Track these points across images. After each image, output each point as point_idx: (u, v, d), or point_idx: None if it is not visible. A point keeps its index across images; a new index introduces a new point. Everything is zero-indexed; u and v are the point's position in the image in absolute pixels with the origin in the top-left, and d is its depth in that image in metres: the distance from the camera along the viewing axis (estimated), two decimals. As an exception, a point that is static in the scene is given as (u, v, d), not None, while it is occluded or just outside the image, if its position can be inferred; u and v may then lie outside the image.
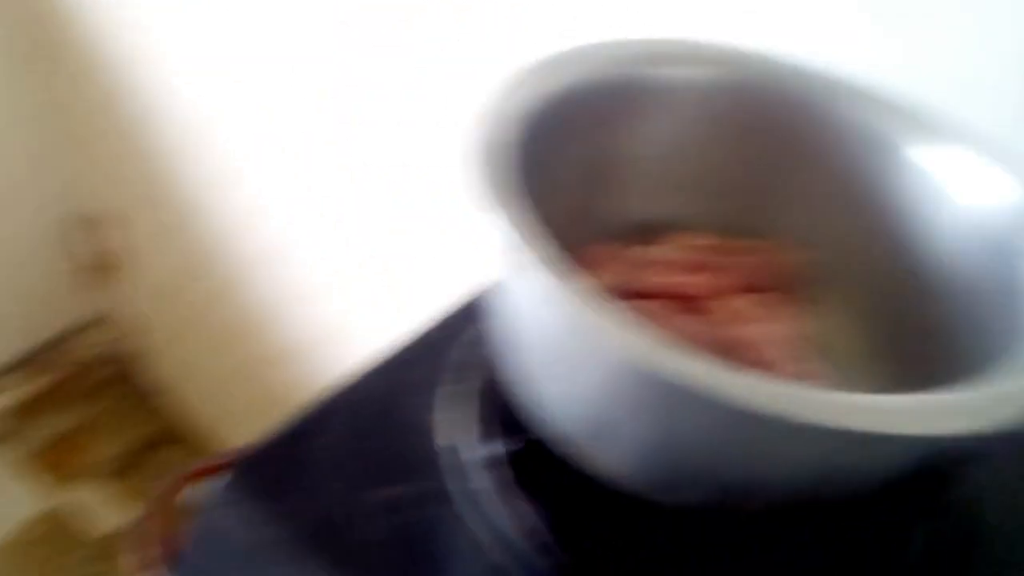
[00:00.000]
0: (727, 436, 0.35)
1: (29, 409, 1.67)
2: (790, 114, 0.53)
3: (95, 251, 1.60)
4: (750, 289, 0.53)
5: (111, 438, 1.68)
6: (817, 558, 0.46)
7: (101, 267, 1.62)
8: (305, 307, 1.25)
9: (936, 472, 0.49)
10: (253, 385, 1.46)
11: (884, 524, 0.47)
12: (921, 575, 0.47)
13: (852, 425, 0.31)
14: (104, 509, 1.56)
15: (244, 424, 1.45)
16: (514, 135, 0.41)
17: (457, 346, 0.54)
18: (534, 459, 0.46)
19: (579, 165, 0.52)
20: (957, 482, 0.48)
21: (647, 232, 0.56)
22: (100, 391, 1.74)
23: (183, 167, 1.29)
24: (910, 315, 0.50)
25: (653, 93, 0.50)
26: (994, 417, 0.33)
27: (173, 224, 1.39)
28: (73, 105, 1.41)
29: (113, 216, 1.52)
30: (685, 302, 0.49)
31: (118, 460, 1.64)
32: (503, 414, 0.49)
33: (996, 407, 0.34)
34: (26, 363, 1.70)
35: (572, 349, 0.38)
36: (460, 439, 0.49)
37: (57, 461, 1.62)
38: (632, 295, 0.50)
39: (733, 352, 0.45)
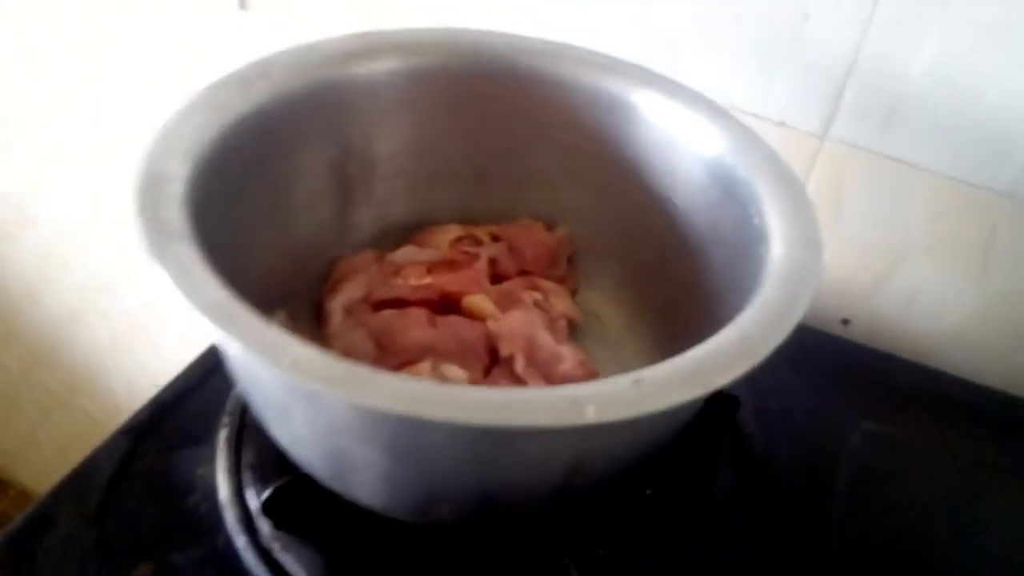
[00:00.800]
0: (439, 450, 0.33)
1: None
2: (519, 89, 0.51)
3: None
4: (511, 275, 0.51)
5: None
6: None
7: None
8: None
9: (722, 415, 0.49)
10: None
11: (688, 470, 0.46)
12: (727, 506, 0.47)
13: (535, 423, 0.29)
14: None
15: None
16: (187, 168, 0.37)
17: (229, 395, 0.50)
18: (306, 498, 0.43)
19: (313, 179, 0.49)
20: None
21: (410, 232, 0.54)
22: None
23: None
24: (666, 274, 0.50)
25: (359, 92, 0.47)
26: (714, 382, 0.32)
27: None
28: None
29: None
30: (438, 302, 0.47)
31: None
32: (270, 458, 0.46)
33: (722, 370, 0.33)
34: None
35: (277, 397, 0.35)
36: (228, 486, 0.45)
37: None
38: (385, 304, 0.47)
39: (475, 348, 0.43)
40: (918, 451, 0.51)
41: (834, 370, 0.58)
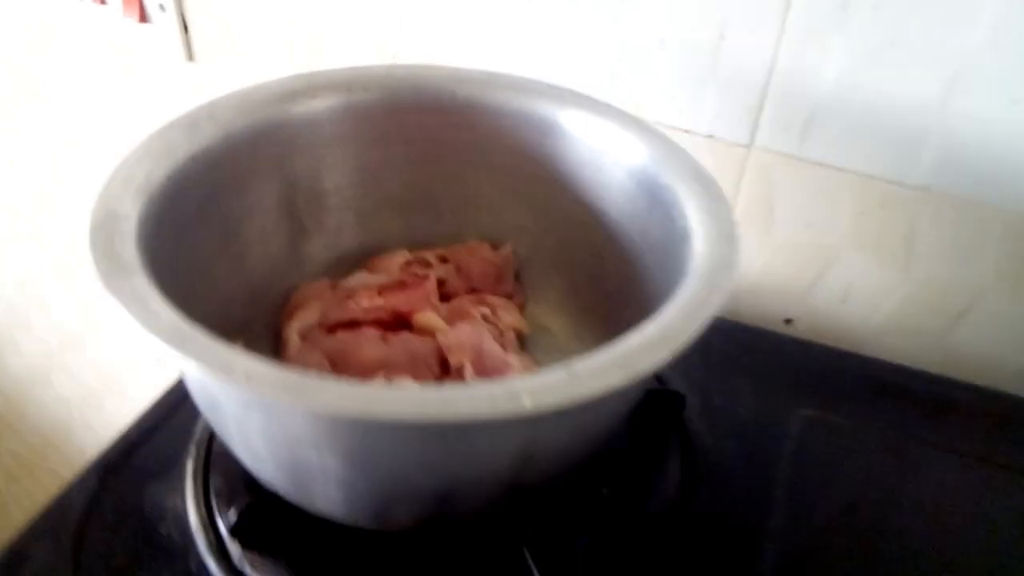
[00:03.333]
0: (390, 452, 0.35)
1: None
2: (457, 117, 0.54)
3: None
4: (459, 293, 0.53)
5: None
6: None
7: None
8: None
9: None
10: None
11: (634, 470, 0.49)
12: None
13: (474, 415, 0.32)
14: None
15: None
16: (139, 207, 0.40)
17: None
18: (273, 519, 0.45)
19: (264, 213, 0.51)
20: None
21: (361, 260, 0.56)
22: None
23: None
24: (605, 283, 0.52)
25: (301, 129, 0.50)
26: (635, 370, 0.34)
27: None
28: None
29: None
30: (390, 321, 0.49)
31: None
32: (237, 483, 0.48)
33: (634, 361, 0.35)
34: None
35: (235, 413, 0.37)
36: (197, 513, 0.47)
37: None
38: (340, 327, 0.49)
39: (426, 361, 0.46)
40: (855, 434, 0.54)
41: (778, 367, 0.61)
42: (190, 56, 0.79)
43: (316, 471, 0.37)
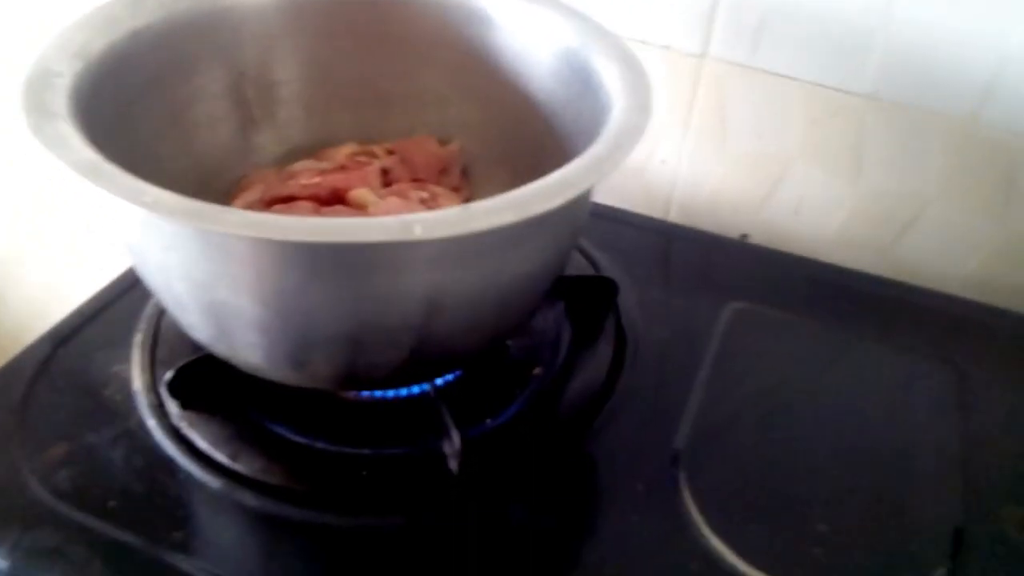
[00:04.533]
0: (300, 290, 0.36)
1: None
2: (404, 13, 0.55)
3: None
4: (403, 182, 0.55)
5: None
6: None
7: None
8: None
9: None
10: None
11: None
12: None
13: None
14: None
15: None
16: (76, 67, 0.41)
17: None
18: (208, 380, 0.47)
19: (212, 99, 0.53)
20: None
21: (311, 153, 0.58)
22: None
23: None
24: (545, 170, 0.53)
25: (248, 17, 0.52)
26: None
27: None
28: None
29: None
30: (325, 197, 0.50)
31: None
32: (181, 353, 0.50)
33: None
34: None
35: (153, 251, 0.39)
36: (142, 378, 0.49)
37: None
38: (277, 201, 0.51)
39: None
40: (787, 326, 0.55)
41: (722, 267, 0.62)
42: None
43: (233, 314, 0.39)
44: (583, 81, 0.48)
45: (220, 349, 0.43)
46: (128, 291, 0.55)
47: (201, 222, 0.33)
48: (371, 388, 0.47)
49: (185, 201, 0.34)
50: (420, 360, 0.42)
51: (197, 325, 0.42)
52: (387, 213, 0.47)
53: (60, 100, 0.39)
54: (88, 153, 0.36)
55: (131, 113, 0.47)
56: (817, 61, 0.61)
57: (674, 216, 0.71)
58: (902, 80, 0.59)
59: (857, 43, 0.59)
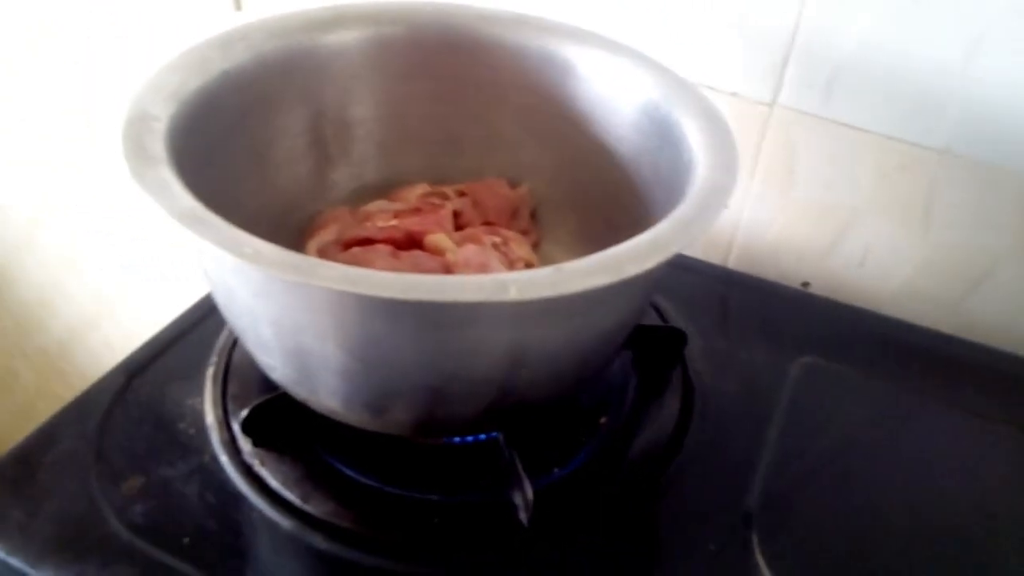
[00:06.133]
0: (386, 340, 0.37)
1: None
2: (480, 56, 0.56)
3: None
4: (474, 225, 0.55)
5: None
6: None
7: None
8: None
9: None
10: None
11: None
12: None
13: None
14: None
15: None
16: (171, 110, 0.42)
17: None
18: (282, 418, 0.47)
19: (293, 137, 0.54)
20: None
21: (383, 192, 0.58)
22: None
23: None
24: (617, 219, 0.53)
25: (331, 58, 0.52)
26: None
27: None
28: None
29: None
30: (402, 240, 0.51)
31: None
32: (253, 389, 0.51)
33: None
34: None
35: (244, 297, 0.39)
36: (214, 412, 0.50)
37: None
38: (355, 243, 0.51)
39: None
40: (856, 383, 0.55)
41: (788, 319, 0.61)
42: (238, 6, 0.82)
43: (318, 360, 0.40)
44: (662, 134, 0.48)
45: (298, 391, 0.43)
46: (201, 322, 0.55)
47: (299, 275, 0.34)
48: (446, 436, 0.47)
49: (283, 253, 0.34)
50: (498, 410, 0.42)
51: (278, 367, 0.43)
52: (465, 260, 0.47)
53: (158, 144, 0.40)
54: (188, 201, 0.37)
55: (217, 152, 0.47)
56: (889, 115, 0.61)
57: (733, 262, 0.71)
58: (976, 136, 0.59)
59: (932, 98, 0.58)
